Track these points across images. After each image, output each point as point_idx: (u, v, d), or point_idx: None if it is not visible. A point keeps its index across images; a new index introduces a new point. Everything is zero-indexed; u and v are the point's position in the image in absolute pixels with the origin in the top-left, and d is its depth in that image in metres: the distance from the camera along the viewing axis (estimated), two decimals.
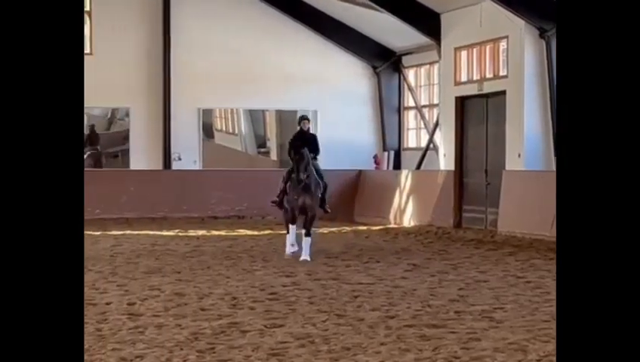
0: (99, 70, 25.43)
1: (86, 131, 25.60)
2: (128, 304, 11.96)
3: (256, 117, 26.95)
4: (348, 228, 23.23)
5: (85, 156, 25.68)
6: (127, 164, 26.19)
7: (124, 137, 26.31)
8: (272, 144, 27.19)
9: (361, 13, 25.00)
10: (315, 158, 17.40)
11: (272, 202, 17.59)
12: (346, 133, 26.49)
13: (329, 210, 17.83)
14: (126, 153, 26.19)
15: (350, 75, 27.43)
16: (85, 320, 10.79)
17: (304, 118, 18.24)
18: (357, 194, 26.27)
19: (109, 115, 26.78)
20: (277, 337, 9.86)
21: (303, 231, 16.75)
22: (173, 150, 25.98)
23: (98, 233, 21.23)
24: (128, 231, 21.74)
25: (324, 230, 22.59)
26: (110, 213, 24.48)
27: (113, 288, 13.23)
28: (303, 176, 16.20)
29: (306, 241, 16.64)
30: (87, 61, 25.33)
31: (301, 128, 17.87)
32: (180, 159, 26.02)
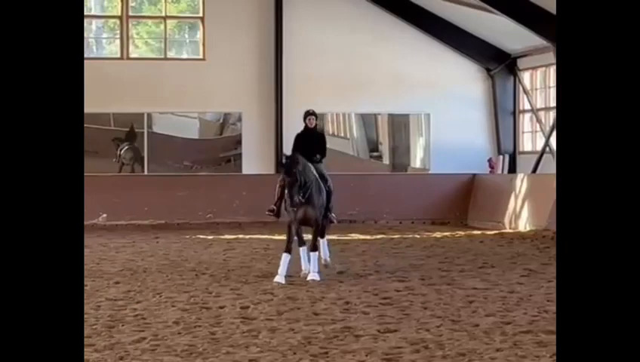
0: (211, 75, 25.78)
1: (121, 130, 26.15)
2: (241, 307, 12.04)
3: (368, 121, 26.91)
4: (462, 233, 23.03)
5: (123, 150, 26.03)
6: (239, 168, 26.41)
7: (237, 142, 26.52)
8: (385, 148, 27.08)
9: (475, 15, 24.78)
10: (320, 161, 15.48)
11: (269, 211, 15.49)
12: (459, 137, 26.30)
13: (334, 221, 15.85)
14: (238, 157, 26.41)
15: (463, 77, 27.22)
16: (199, 324, 10.92)
17: (310, 113, 15.73)
18: (471, 199, 26.03)
19: (221, 120, 27.02)
20: (391, 342, 9.81)
21: (308, 246, 14.94)
22: (284, 154, 26.07)
23: (211, 237, 21.47)
24: (241, 236, 21.91)
25: (438, 234, 22.46)
26: (223, 217, 24.75)
27: (226, 292, 13.35)
28: (297, 199, 14.16)
29: (313, 257, 14.63)
30: (200, 66, 25.90)
31: (306, 126, 15.65)
32: None
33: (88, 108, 26.25)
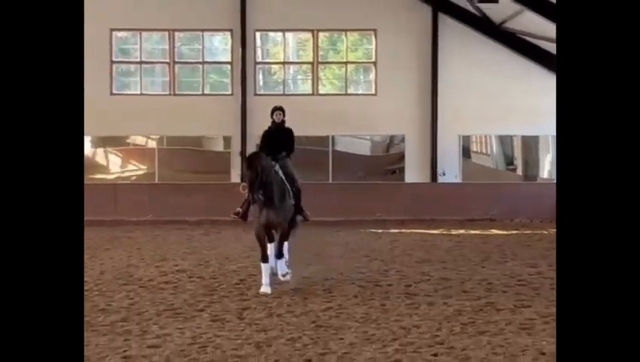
0: (381, 107, 25.86)
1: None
2: (405, 286, 11.94)
3: (505, 141, 26.38)
4: None
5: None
6: (402, 178, 26.34)
7: (400, 157, 26.46)
8: (518, 162, 26.55)
9: None
10: (287, 156, 12.12)
11: (234, 214, 11.94)
12: None
13: (309, 218, 12.46)
14: (402, 170, 26.37)
15: None
16: (372, 297, 10.87)
17: (277, 108, 12.30)
18: None
19: (387, 141, 27.05)
20: (525, 315, 9.54)
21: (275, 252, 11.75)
22: (438, 167, 25.92)
23: (380, 231, 21.43)
24: (403, 230, 21.78)
25: None
26: (389, 215, 24.63)
27: (393, 273, 13.26)
28: (257, 196, 11.01)
29: (279, 264, 11.68)
30: (372, 100, 25.97)
31: (274, 121, 12.17)
32: (444, 174, 25.92)
33: None
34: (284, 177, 11.58)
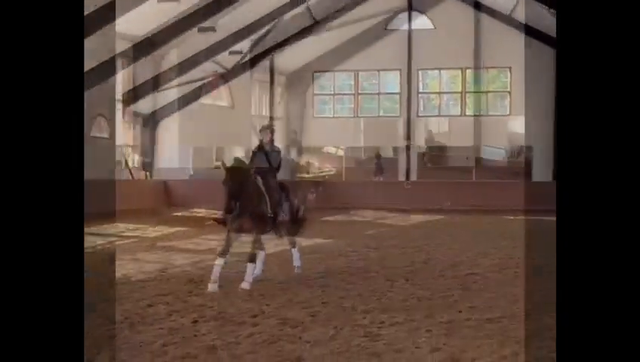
0: (514, 123, 25.14)
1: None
2: (531, 259, 11.40)
3: None
4: None
5: (374, 163, 25.58)
6: (530, 177, 25.41)
7: (528, 162, 25.66)
8: None
9: None
10: (271, 172, 9.02)
11: (214, 220, 8.98)
12: None
13: (289, 240, 9.60)
14: (529, 172, 25.52)
15: None
16: (506, 267, 10.42)
17: (265, 127, 9.30)
18: None
19: (518, 150, 26.43)
20: None
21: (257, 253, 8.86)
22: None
23: (512, 217, 20.62)
24: (530, 217, 20.82)
25: None
26: (519, 206, 23.68)
27: (521, 249, 12.71)
28: (231, 205, 8.19)
29: (249, 268, 8.50)
30: (507, 120, 25.24)
31: (261, 141, 9.13)
32: None
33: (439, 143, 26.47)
34: (263, 188, 8.79)
